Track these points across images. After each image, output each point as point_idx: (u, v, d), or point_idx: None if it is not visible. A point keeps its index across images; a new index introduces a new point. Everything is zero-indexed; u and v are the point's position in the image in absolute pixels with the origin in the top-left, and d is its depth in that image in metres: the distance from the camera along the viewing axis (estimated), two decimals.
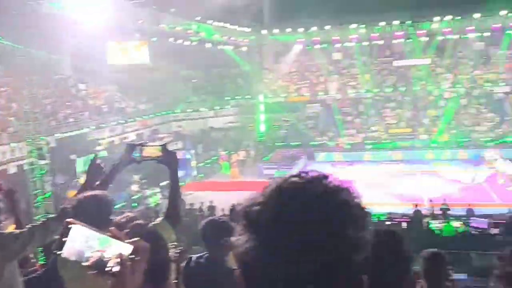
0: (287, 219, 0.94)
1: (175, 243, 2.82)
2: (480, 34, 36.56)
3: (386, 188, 24.54)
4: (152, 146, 2.72)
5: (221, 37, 34.50)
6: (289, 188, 1.01)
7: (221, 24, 33.73)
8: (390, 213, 16.63)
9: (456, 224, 14.96)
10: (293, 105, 39.07)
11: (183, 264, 3.03)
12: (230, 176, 27.29)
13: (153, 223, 2.75)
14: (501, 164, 23.60)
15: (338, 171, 29.57)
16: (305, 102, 39.88)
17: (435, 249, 3.29)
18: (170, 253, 2.40)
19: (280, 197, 0.99)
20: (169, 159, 2.71)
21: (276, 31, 37.84)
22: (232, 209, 8.69)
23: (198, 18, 30.66)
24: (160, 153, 2.70)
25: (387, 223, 15.33)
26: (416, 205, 16.69)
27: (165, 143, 2.92)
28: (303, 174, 1.06)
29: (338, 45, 39.34)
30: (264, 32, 38.22)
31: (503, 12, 32.48)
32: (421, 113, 36.03)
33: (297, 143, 34.89)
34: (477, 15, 33.35)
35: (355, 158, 32.00)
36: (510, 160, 23.09)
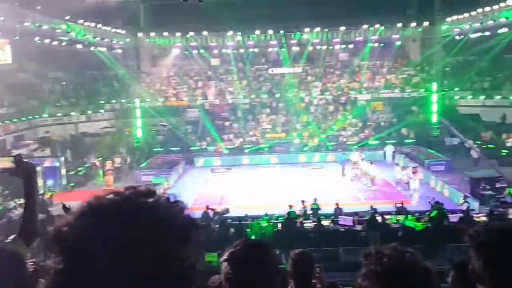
0: (95, 238, 0.90)
1: (33, 259, 2.56)
2: (345, 45, 39.91)
3: (263, 190, 25.36)
4: (2, 157, 2.43)
5: (93, 38, 32.68)
6: (100, 206, 0.96)
7: (93, 24, 32.00)
8: (267, 215, 17.18)
9: (325, 222, 16.03)
10: (172, 110, 38.64)
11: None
12: (104, 185, 25.93)
13: (6, 241, 2.45)
14: (364, 166, 25.99)
15: (217, 175, 29.87)
16: (184, 106, 39.75)
17: (302, 249, 3.42)
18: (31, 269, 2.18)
19: (90, 216, 0.94)
20: (22, 171, 2.43)
21: (152, 34, 37.00)
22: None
23: (67, 18, 28.71)
24: (11, 165, 2.41)
25: (264, 224, 15.84)
26: (291, 206, 17.48)
27: (18, 154, 2.62)
28: (124, 190, 1.01)
29: (215, 51, 39.82)
30: (140, 35, 37.14)
31: (365, 26, 35.88)
32: (294, 119, 38.12)
33: (176, 148, 34.51)
34: (342, 28, 36.33)
35: (233, 162, 32.62)
36: (371, 161, 25.49)
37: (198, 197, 24.19)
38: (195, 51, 38.04)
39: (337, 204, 18.50)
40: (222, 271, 1.76)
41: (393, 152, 31.92)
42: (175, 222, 0.99)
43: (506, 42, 33.47)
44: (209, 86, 42.31)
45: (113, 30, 34.49)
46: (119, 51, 36.99)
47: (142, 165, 31.12)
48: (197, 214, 18.34)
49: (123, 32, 35.20)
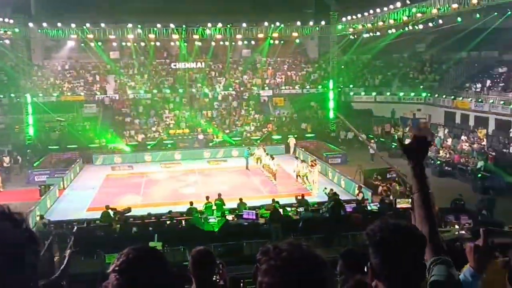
0: None
1: None
2: (247, 42, 40.51)
3: (167, 187, 25.00)
4: None
5: None
6: None
7: None
8: (170, 212, 16.94)
9: (229, 217, 16.21)
10: (67, 105, 36.40)
11: None
12: None
13: None
14: (266, 160, 26.68)
15: (118, 173, 28.80)
16: (81, 102, 37.68)
17: (203, 247, 3.41)
18: None
19: None
20: None
21: (45, 24, 34.33)
22: None
23: None
24: None
25: (168, 222, 15.59)
26: (191, 203, 17.42)
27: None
28: None
29: (115, 44, 38.18)
30: (31, 25, 34.24)
31: (266, 24, 36.79)
32: (199, 114, 37.95)
33: (73, 146, 32.63)
34: (244, 25, 36.91)
35: (135, 159, 31.69)
36: (272, 156, 26.29)
37: (97, 196, 23.25)
38: (92, 44, 36.10)
39: (240, 199, 18.76)
40: (110, 282, 1.60)
41: (294, 145, 33.18)
42: (4, 240, 0.93)
43: (394, 42, 36.44)
44: (108, 80, 40.56)
45: (0, 19, 31.41)
46: (7, 41, 33.81)
47: (35, 164, 28.94)
48: (96, 214, 17.61)
49: (11, 21, 32.21)
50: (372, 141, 30.64)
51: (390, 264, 1.79)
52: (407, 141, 2.33)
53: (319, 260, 1.45)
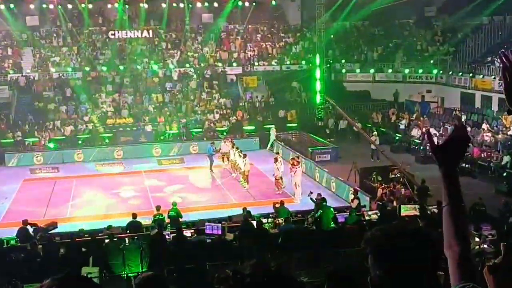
0: None
1: None
2: (208, 3, 40.37)
3: (105, 195, 24.84)
4: None
5: None
6: None
7: None
8: (110, 227, 16.82)
9: (187, 232, 16.20)
10: None
11: None
12: None
13: None
14: (236, 158, 26.74)
15: (39, 178, 28.37)
16: None
17: (151, 273, 3.40)
18: None
19: None
20: None
21: None
22: None
23: None
24: None
25: (106, 240, 15.47)
26: (134, 215, 17.39)
27: None
28: None
29: (32, 6, 37.45)
30: None
31: None
32: (146, 98, 37.73)
33: None
34: None
35: (62, 159, 31.33)
36: (242, 152, 26.34)
37: (12, 208, 22.91)
38: (1, 6, 35.28)
39: (203, 209, 18.79)
40: None
41: (275, 138, 33.51)
42: None
43: (397, 5, 37.01)
44: (24, 54, 39.75)
45: None
46: None
47: None
48: (10, 232, 17.33)
49: None
50: (374, 133, 30.92)
51: (396, 278, 1.81)
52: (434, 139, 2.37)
53: (294, 285, 1.46)
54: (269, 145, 33.42)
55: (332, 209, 17.75)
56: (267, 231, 16.44)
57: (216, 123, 36.18)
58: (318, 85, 38.14)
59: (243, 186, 25.37)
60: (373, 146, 29.32)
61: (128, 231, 17.05)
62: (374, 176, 23.16)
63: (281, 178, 24.43)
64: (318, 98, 37.98)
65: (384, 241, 1.87)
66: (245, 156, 25.63)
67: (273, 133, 33.79)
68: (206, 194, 24.57)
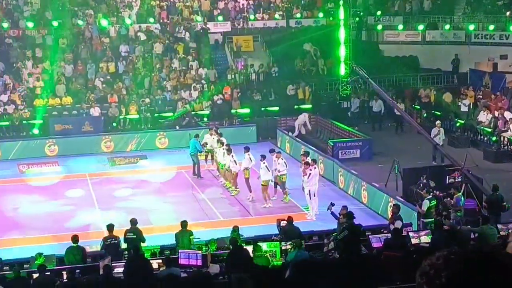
0: None
1: None
2: None
3: (33, 210, 24.86)
4: None
5: None
6: None
7: None
8: (40, 256, 16.85)
9: (154, 263, 16.24)
10: None
11: None
12: None
13: None
14: (223, 156, 26.53)
15: None
16: None
17: None
18: None
19: None
20: None
21: None
22: None
23: None
24: None
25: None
26: (75, 239, 17.38)
27: None
28: None
29: None
30: None
31: None
32: (91, 69, 37.66)
33: None
34: None
35: None
36: (227, 147, 26.09)
37: None
38: None
39: (176, 229, 18.80)
40: None
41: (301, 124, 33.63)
42: None
43: None
44: None
45: None
46: None
47: None
48: None
49: None
50: (438, 123, 30.12)
51: None
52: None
53: None
54: (296, 131, 33.60)
55: (360, 229, 17.74)
56: (268, 261, 16.44)
57: (194, 104, 36.19)
58: (342, 49, 38.09)
59: (232, 195, 25.47)
60: (437, 140, 28.42)
61: (66, 262, 17.00)
62: (424, 180, 23.16)
63: (276, 183, 24.52)
64: (342, 68, 37.91)
65: (450, 272, 1.92)
66: (230, 150, 25.67)
67: (303, 117, 33.95)
68: (180, 208, 24.52)
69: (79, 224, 22.68)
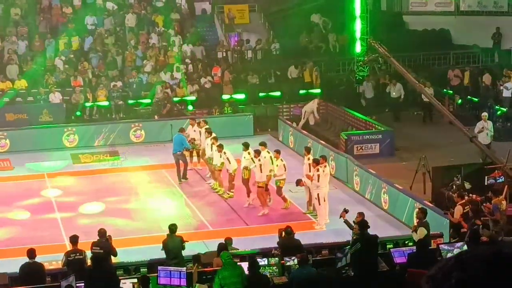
0: None
1: None
2: None
3: None
4: None
5: None
6: None
7: None
8: None
9: (128, 284, 16.23)
10: None
11: None
12: None
13: None
14: (212, 151, 26.55)
15: None
16: None
17: None
18: None
19: None
20: None
21: None
22: None
23: None
24: None
25: None
26: (33, 254, 17.34)
27: None
28: None
29: None
30: None
31: None
32: (50, 45, 37.48)
33: None
34: None
35: None
36: (215, 140, 25.99)
37: None
38: None
39: (154, 241, 18.72)
40: None
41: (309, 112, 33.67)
42: None
43: None
44: None
45: None
46: None
47: None
48: None
49: None
50: (484, 115, 29.78)
51: None
52: None
53: None
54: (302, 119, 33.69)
55: (376, 241, 17.74)
56: (267, 280, 16.47)
57: (176, 88, 36.22)
58: (358, 22, 38.12)
59: (224, 196, 25.62)
60: (485, 139, 27.88)
61: (21, 281, 17.04)
62: (457, 180, 23.17)
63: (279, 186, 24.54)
64: (358, 45, 37.92)
65: (460, 275, 2.01)
66: (221, 146, 25.68)
67: (311, 105, 33.95)
68: (160, 215, 24.60)
69: (37, 236, 22.67)
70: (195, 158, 29.23)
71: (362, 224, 18.31)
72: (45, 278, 17.29)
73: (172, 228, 18.53)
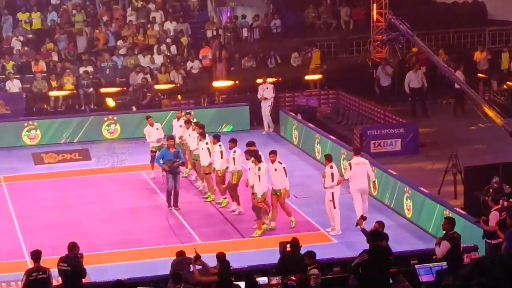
0: None
1: None
2: None
3: None
4: None
5: None
6: None
7: None
8: None
9: None
10: None
11: None
12: None
13: None
14: (200, 150, 26.57)
15: None
16: None
17: None
18: None
19: None
20: None
21: None
22: None
23: None
24: None
25: None
26: None
27: None
28: None
29: None
30: None
31: None
32: (6, 22, 37.59)
33: None
34: None
35: None
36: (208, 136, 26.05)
37: None
38: None
39: (134, 257, 18.78)
40: None
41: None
42: None
43: None
44: None
45: None
46: None
47: None
48: None
49: None
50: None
51: None
52: None
53: None
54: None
55: (389, 252, 17.69)
56: None
57: (156, 74, 36.38)
58: None
59: (219, 205, 25.76)
60: None
61: None
62: (495, 184, 23.16)
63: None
64: (374, 21, 37.90)
65: (483, 279, 2.06)
66: (218, 138, 25.75)
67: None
68: (139, 226, 24.80)
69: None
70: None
71: (374, 234, 18.24)
72: None
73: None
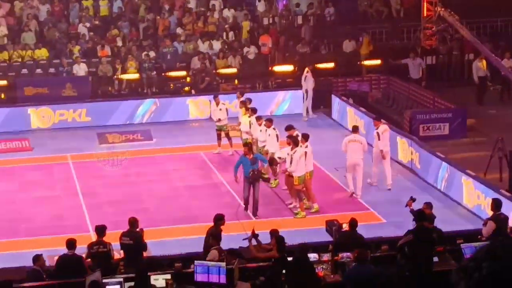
0: None
1: None
2: None
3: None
4: None
5: None
6: None
7: None
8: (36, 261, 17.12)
9: (161, 280, 16.31)
10: None
11: None
12: None
13: None
14: (258, 133, 26.50)
15: None
16: None
17: None
18: None
19: None
20: None
21: None
22: None
23: None
24: None
25: None
26: (72, 244, 17.46)
27: None
28: None
29: None
30: None
31: None
32: (75, 7, 37.82)
33: None
34: None
35: None
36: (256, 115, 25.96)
37: None
38: None
39: (191, 232, 18.81)
40: None
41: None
42: None
43: None
44: None
45: None
46: None
47: None
48: None
49: None
50: None
51: None
52: None
53: None
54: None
55: (432, 233, 17.58)
56: (316, 277, 16.48)
57: (215, 59, 36.44)
58: None
59: (269, 185, 25.75)
60: None
61: (58, 274, 17.24)
62: None
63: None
64: (425, 8, 37.57)
65: (492, 266, 2.23)
66: (271, 122, 25.83)
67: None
68: (197, 204, 24.95)
69: (59, 225, 23.06)
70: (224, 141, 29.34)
71: (419, 214, 18.16)
72: (85, 272, 17.26)
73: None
